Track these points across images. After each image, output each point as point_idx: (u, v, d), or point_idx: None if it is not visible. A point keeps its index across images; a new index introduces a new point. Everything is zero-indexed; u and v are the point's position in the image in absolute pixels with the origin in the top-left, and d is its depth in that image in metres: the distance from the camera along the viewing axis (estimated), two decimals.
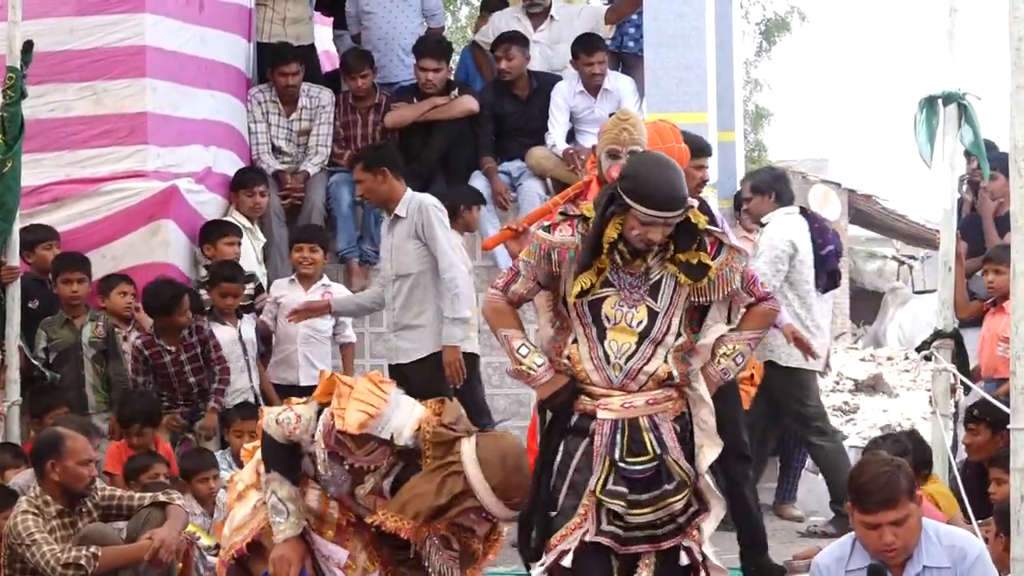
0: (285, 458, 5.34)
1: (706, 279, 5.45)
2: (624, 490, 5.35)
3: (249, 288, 9.30)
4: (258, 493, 5.54)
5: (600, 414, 5.45)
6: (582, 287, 5.40)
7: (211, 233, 9.23)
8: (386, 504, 5.12)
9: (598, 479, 5.39)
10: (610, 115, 7.63)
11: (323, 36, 11.78)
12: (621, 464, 5.40)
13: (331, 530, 5.40)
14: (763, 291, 5.64)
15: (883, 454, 5.31)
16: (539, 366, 5.48)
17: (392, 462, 5.14)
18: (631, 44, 10.88)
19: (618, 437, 5.42)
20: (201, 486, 7.69)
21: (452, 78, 10.68)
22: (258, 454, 5.57)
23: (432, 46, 10.41)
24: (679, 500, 5.40)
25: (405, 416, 5.11)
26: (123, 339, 8.68)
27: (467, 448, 5.05)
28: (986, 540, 5.91)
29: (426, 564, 5.22)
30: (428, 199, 8.36)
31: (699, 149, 7.54)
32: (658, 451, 5.42)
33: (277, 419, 5.35)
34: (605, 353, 5.46)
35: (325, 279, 9.34)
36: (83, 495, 6.54)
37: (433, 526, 5.07)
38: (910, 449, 6.82)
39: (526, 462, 5.19)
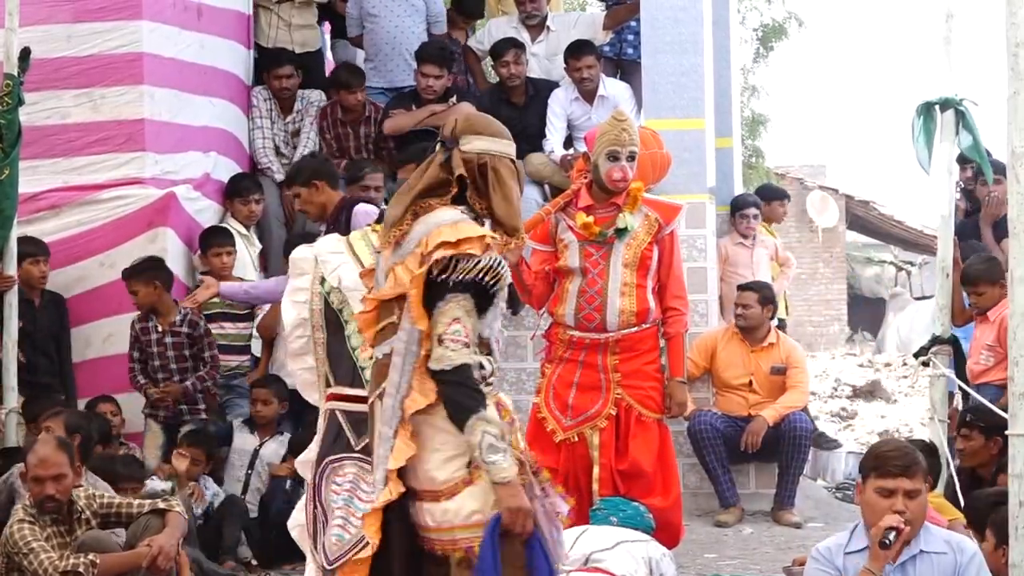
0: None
1: None
2: None
3: None
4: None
5: None
6: None
7: (204, 242, 9.25)
8: None
9: None
10: None
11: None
12: None
13: None
14: None
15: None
16: None
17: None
18: (630, 51, 10.89)
19: None
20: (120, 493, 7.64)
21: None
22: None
23: (434, 52, 10.40)
24: None
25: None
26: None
27: None
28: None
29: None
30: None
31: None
32: None
33: (451, 347, 4.58)
34: None
35: None
36: (43, 511, 6.50)
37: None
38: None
39: None
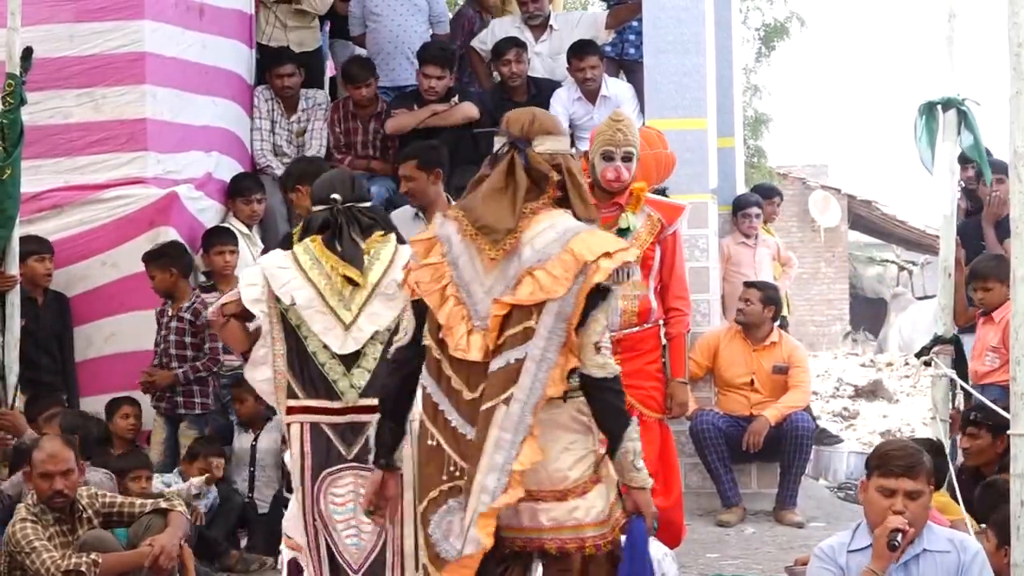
0: None
1: None
2: None
3: None
4: None
5: None
6: None
7: (206, 242, 9.26)
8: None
9: None
10: None
11: None
12: None
13: None
14: None
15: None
16: None
17: None
18: (632, 51, 10.89)
19: None
20: (132, 484, 7.63)
21: None
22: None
23: (436, 53, 10.40)
24: None
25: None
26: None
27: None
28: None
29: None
30: None
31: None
32: None
33: (606, 354, 4.70)
34: None
35: None
36: (51, 507, 6.51)
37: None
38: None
39: None
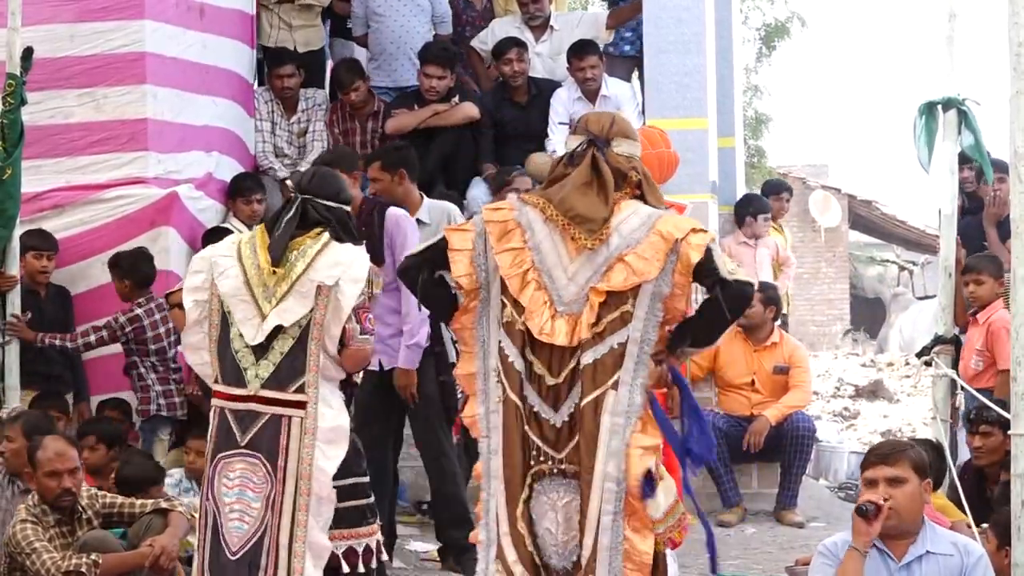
0: None
1: None
2: None
3: None
4: None
5: None
6: None
7: (205, 242, 9.24)
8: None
9: None
10: None
11: None
12: None
13: None
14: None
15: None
16: None
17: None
18: None
19: None
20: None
21: None
22: None
23: (438, 53, 10.41)
24: None
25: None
26: None
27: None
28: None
29: None
30: (455, 209, 8.32)
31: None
32: None
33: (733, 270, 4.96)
34: None
35: None
36: (56, 507, 6.50)
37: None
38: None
39: None
